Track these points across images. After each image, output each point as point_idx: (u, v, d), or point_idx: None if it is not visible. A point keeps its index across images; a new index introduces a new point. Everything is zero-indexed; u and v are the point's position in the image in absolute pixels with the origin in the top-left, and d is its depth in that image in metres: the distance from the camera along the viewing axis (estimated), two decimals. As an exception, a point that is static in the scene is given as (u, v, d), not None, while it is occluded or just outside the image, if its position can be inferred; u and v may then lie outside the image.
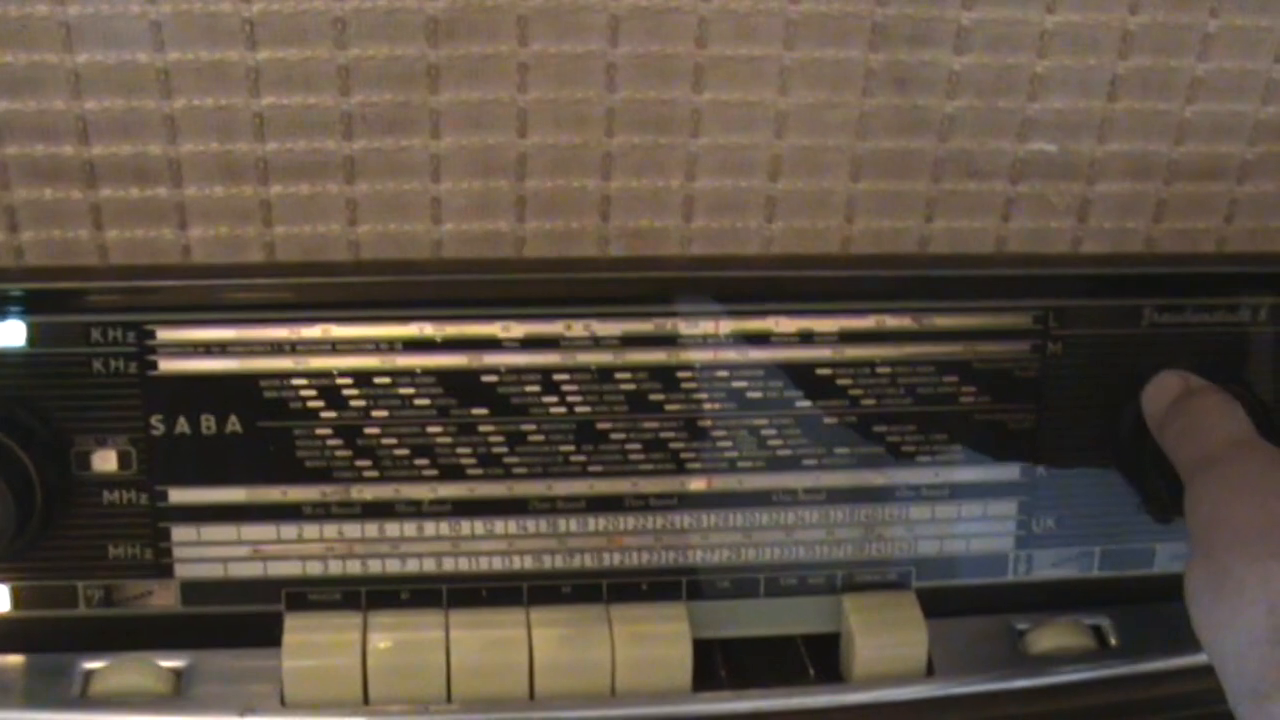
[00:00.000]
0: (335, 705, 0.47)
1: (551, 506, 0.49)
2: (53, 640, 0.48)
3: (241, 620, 0.49)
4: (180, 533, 0.48)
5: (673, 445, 0.49)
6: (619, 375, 0.48)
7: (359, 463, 0.48)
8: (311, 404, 0.47)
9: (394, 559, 0.49)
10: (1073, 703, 0.50)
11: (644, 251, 0.46)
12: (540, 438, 0.48)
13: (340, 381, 0.47)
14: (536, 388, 0.48)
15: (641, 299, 0.47)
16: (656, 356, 0.48)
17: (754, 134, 0.44)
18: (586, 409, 0.48)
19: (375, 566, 0.49)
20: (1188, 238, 0.48)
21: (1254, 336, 0.51)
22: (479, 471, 0.48)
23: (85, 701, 0.47)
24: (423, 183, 0.44)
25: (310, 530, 0.48)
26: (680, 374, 0.48)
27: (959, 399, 0.50)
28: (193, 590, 0.49)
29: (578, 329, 0.47)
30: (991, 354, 0.49)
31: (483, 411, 0.48)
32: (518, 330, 0.47)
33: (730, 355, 0.48)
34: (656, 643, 0.49)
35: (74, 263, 0.44)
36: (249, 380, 0.47)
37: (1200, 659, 0.50)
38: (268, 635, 0.48)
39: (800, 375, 0.49)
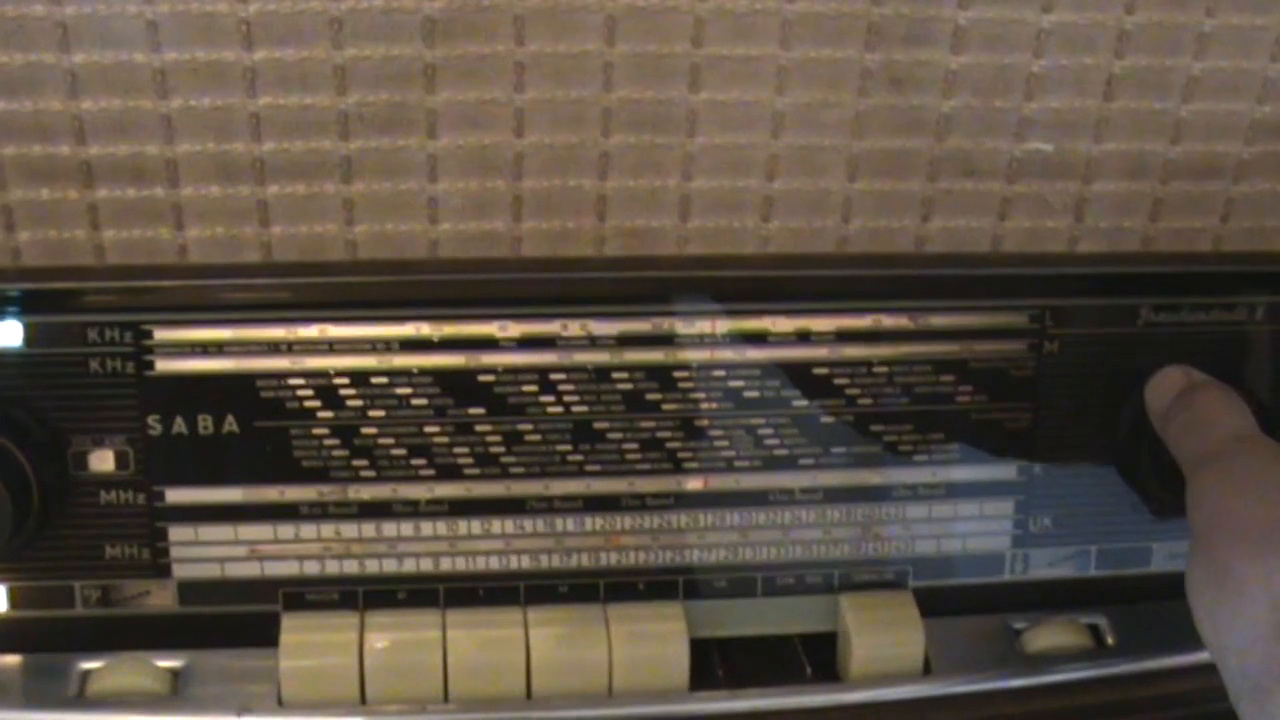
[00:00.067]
0: (332, 705, 0.47)
1: (548, 506, 0.49)
2: (50, 640, 0.48)
3: (239, 620, 0.49)
4: (177, 533, 0.48)
5: (670, 445, 0.49)
6: (616, 375, 0.48)
7: (356, 462, 0.48)
8: (308, 404, 0.47)
9: (391, 559, 0.49)
10: (1069, 702, 0.50)
11: (640, 251, 0.46)
12: (537, 437, 0.48)
13: (337, 381, 0.47)
14: (533, 387, 0.48)
15: (638, 299, 0.47)
16: (653, 356, 0.48)
17: (750, 134, 0.44)
18: (583, 409, 0.48)
19: (372, 566, 0.49)
20: (1184, 237, 0.48)
21: (1250, 335, 0.51)
22: (476, 471, 0.48)
23: (82, 701, 0.47)
24: (419, 182, 0.44)
25: (307, 530, 0.48)
26: (677, 373, 0.48)
27: (956, 398, 0.50)
28: (190, 590, 0.49)
29: (574, 329, 0.47)
30: (988, 353, 0.49)
31: (480, 411, 0.48)
32: (514, 330, 0.47)
33: (727, 355, 0.48)
34: (653, 642, 0.49)
35: (71, 263, 0.44)
36: (246, 380, 0.47)
37: (1197, 658, 0.50)
38: (265, 635, 0.48)
39: (797, 375, 0.49)
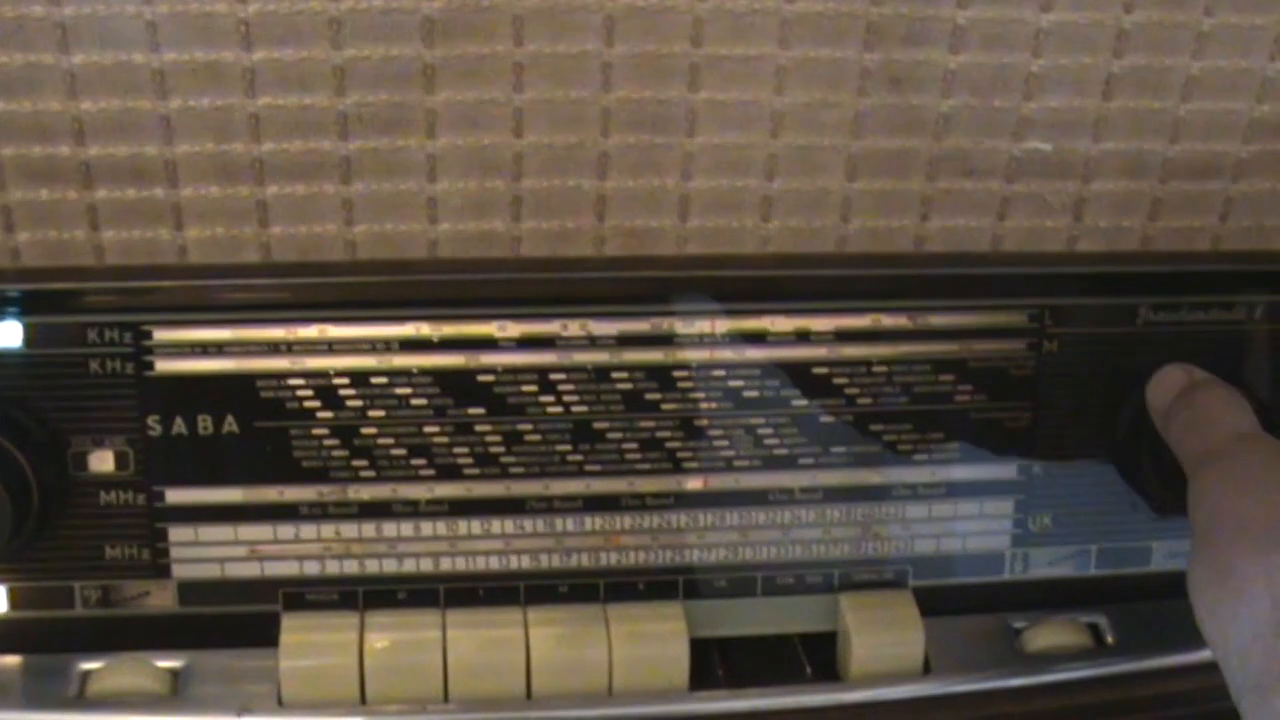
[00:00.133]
0: (332, 705, 0.47)
1: (548, 506, 0.49)
2: (50, 641, 0.48)
3: (239, 620, 0.49)
4: (177, 533, 0.48)
5: (669, 444, 0.49)
6: (615, 375, 0.48)
7: (356, 463, 0.48)
8: (308, 404, 0.47)
9: (391, 559, 0.49)
10: (1069, 701, 0.50)
11: (640, 251, 0.46)
12: (537, 437, 0.48)
13: (337, 381, 0.47)
14: (533, 387, 0.48)
15: (638, 298, 0.47)
16: (653, 356, 0.48)
17: (750, 133, 0.44)
18: (583, 408, 0.48)
19: (372, 566, 0.49)
20: (1183, 236, 0.48)
21: (1249, 334, 0.51)
22: (476, 471, 0.48)
23: (82, 702, 0.47)
24: (419, 183, 0.44)
25: (307, 530, 0.48)
26: (677, 373, 0.48)
27: (955, 397, 0.50)
28: (190, 590, 0.49)
29: (574, 328, 0.47)
30: (987, 352, 0.49)
31: (479, 411, 0.48)
32: (514, 330, 0.47)
33: (726, 354, 0.48)
34: (653, 642, 0.49)
35: (70, 263, 0.44)
36: (245, 380, 0.47)
37: (1197, 657, 0.50)
38: (265, 635, 0.48)
39: (796, 374, 0.49)
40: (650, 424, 0.48)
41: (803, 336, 0.48)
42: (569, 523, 0.49)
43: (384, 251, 0.45)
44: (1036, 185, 0.46)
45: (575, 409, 0.48)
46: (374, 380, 0.47)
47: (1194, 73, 0.45)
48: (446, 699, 0.48)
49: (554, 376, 0.48)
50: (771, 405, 0.49)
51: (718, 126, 0.44)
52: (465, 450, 0.48)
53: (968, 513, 0.51)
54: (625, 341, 0.48)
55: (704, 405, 0.49)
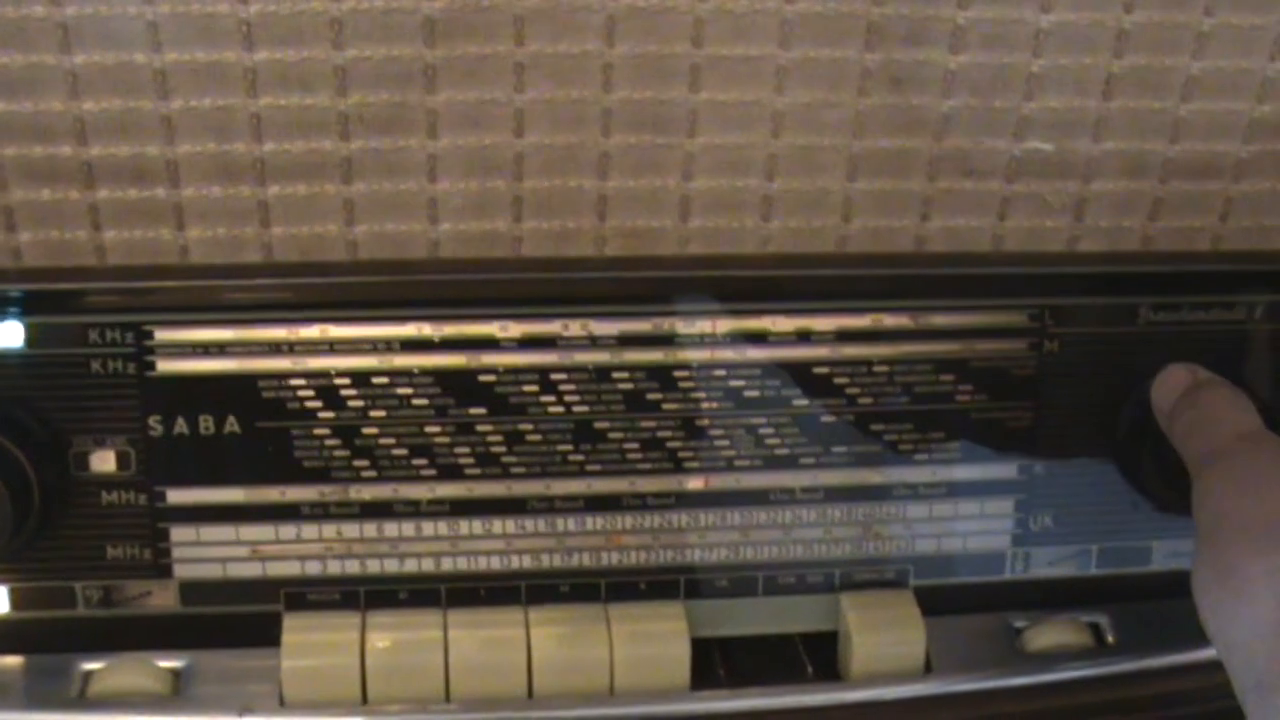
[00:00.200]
0: (334, 705, 0.47)
1: (549, 506, 0.49)
2: (51, 641, 0.48)
3: (240, 620, 0.49)
4: (179, 533, 0.48)
5: (670, 444, 0.49)
6: (616, 375, 0.48)
7: (357, 463, 0.48)
8: (310, 404, 0.47)
9: (392, 559, 0.49)
10: (1070, 700, 0.50)
11: (641, 251, 0.46)
12: (538, 437, 0.48)
13: (338, 381, 0.47)
14: (534, 387, 0.48)
15: (639, 298, 0.47)
16: (654, 356, 0.48)
17: (750, 133, 0.44)
18: (584, 408, 0.48)
19: (374, 566, 0.49)
20: (1184, 236, 0.48)
21: (1250, 334, 0.51)
22: (477, 471, 0.48)
23: (84, 702, 0.47)
24: (420, 183, 0.44)
25: (309, 530, 0.48)
26: (677, 373, 0.48)
27: (956, 397, 0.50)
28: (191, 590, 0.49)
29: (575, 328, 0.47)
30: (988, 352, 0.49)
31: (480, 411, 0.48)
32: (515, 330, 0.47)
33: (727, 354, 0.48)
34: (655, 642, 0.49)
35: (72, 263, 0.44)
36: (247, 380, 0.47)
37: (1198, 656, 0.50)
38: (266, 635, 0.48)
39: (797, 374, 0.49)
40: (651, 424, 0.49)
41: (804, 336, 0.48)
42: (570, 522, 0.49)
43: (385, 251, 0.45)
44: (1037, 185, 0.47)
45: (576, 409, 0.48)
46: (375, 380, 0.47)
47: (1194, 73, 0.45)
48: (448, 699, 0.48)
49: (555, 376, 0.48)
50: (772, 405, 0.49)
51: (718, 127, 0.44)
52: (466, 450, 0.48)
53: (969, 512, 0.51)
54: (626, 341, 0.48)
55: (705, 405, 0.49)
